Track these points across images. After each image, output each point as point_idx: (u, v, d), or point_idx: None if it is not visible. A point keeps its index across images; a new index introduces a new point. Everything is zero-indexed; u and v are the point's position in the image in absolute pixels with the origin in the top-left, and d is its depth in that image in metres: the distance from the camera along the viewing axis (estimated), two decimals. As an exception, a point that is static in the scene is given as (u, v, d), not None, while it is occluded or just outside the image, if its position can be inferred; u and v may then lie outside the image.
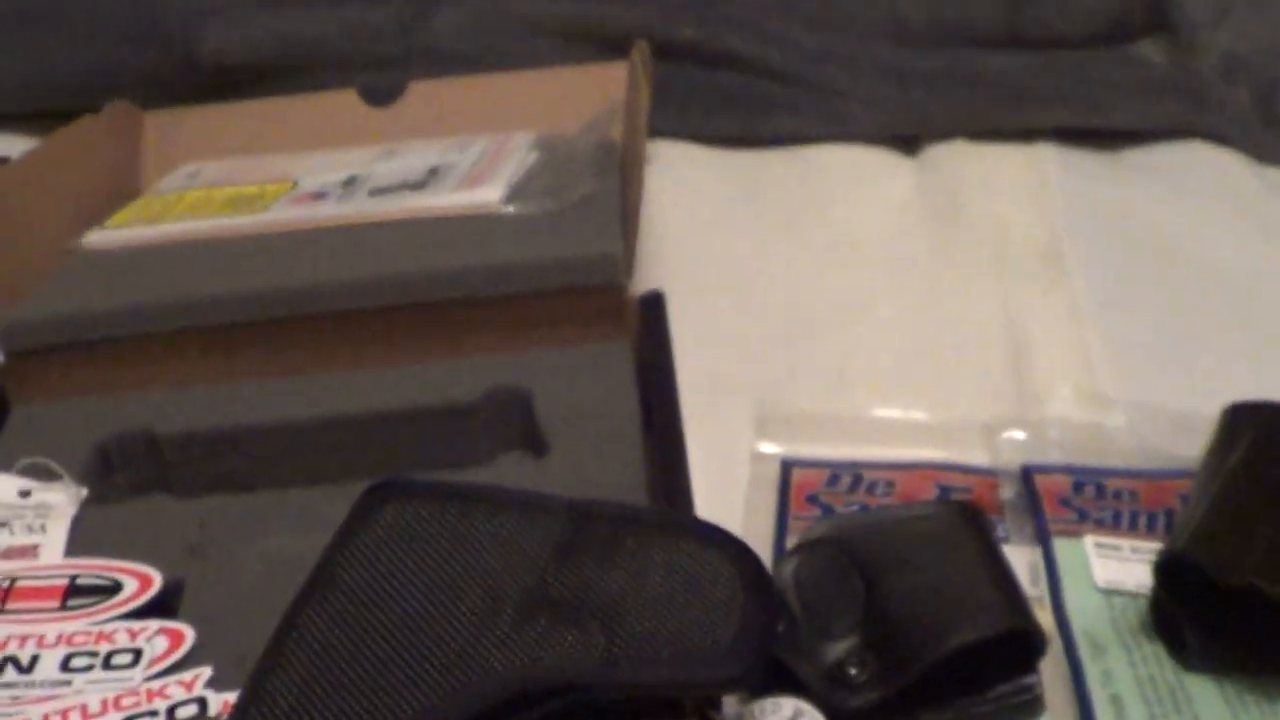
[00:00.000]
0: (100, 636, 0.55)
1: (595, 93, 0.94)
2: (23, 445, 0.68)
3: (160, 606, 0.58)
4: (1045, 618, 0.58)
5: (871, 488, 0.68)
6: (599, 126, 0.90)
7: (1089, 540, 0.62)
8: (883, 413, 0.75)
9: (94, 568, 0.59)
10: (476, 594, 0.50)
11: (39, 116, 1.04)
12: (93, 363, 0.74)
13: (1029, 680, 0.53)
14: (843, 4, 1.09)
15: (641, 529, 0.52)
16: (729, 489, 0.68)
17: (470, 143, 0.92)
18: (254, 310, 0.74)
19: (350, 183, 0.87)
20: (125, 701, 0.52)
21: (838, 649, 0.53)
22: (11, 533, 0.62)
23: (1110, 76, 1.06)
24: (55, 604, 0.58)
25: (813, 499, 0.67)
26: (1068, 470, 0.68)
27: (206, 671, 0.53)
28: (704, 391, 0.74)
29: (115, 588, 0.58)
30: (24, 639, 0.55)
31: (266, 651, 0.48)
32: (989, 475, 0.69)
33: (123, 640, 0.55)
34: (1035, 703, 0.53)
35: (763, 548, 0.62)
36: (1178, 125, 1.04)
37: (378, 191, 0.85)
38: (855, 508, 0.67)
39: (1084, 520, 0.64)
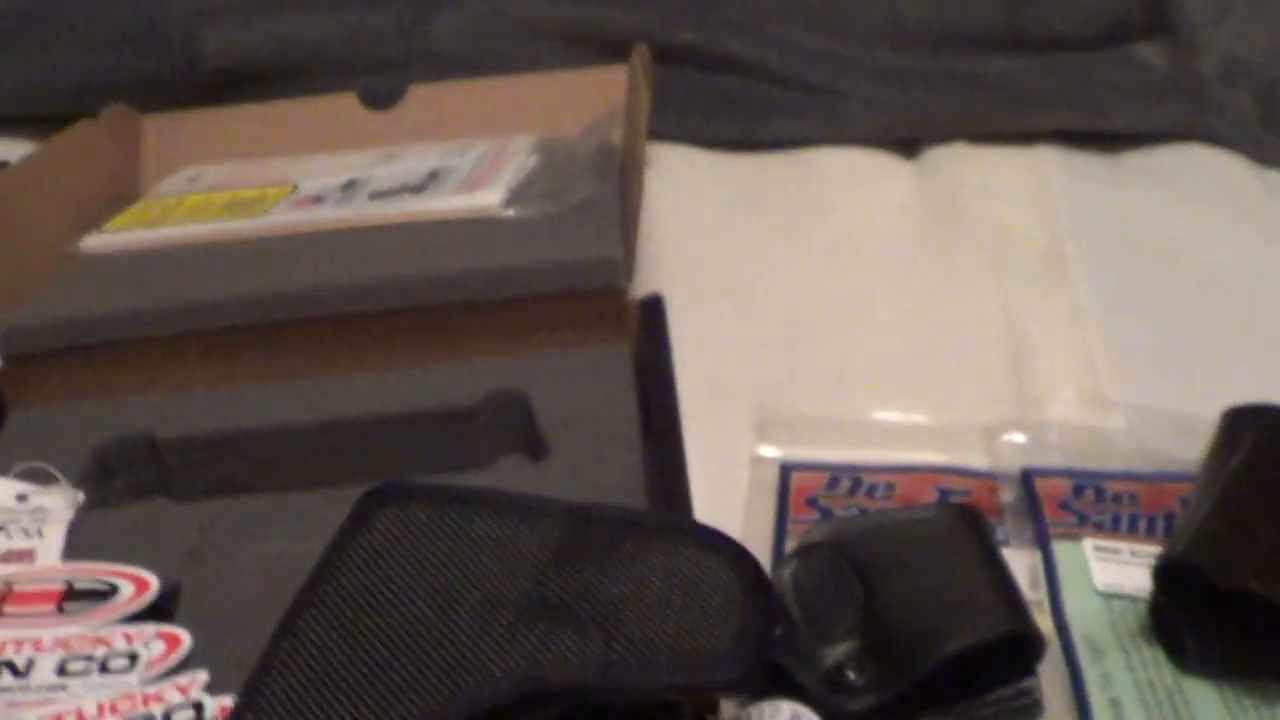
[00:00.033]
0: (97, 640, 0.55)
1: (595, 96, 0.94)
2: (21, 449, 0.68)
3: (157, 610, 0.57)
4: (1044, 621, 0.58)
5: (871, 491, 0.68)
6: (599, 130, 0.90)
7: (1088, 544, 0.62)
8: (882, 416, 0.75)
9: (91, 571, 0.59)
10: (475, 597, 0.50)
11: (39, 121, 1.04)
12: (91, 367, 0.74)
13: (1028, 684, 0.53)
14: (843, 6, 1.09)
15: (640, 533, 0.52)
16: (728, 492, 0.68)
17: (470, 146, 0.92)
18: (253, 314, 0.74)
19: (350, 186, 0.87)
20: (122, 705, 0.52)
21: (836, 652, 0.53)
22: (9, 537, 0.62)
23: (1110, 78, 1.06)
24: (52, 608, 0.57)
25: (812, 502, 0.67)
26: (1068, 474, 0.68)
27: (203, 675, 0.53)
28: (703, 395, 0.74)
29: (112, 591, 0.58)
30: (20, 643, 0.55)
31: (263, 655, 0.48)
32: (989, 478, 0.68)
33: (119, 644, 0.55)
34: (1034, 706, 0.53)
35: (762, 551, 0.62)
36: (1178, 127, 1.04)
37: (377, 195, 0.85)
38: (854, 511, 0.66)
39: (1084, 524, 0.64)
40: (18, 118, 1.07)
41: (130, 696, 0.52)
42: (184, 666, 0.54)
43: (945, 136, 1.04)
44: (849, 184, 1.00)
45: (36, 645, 0.55)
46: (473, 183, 0.84)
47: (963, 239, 0.92)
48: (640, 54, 0.85)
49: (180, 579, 0.59)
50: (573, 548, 0.52)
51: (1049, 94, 1.05)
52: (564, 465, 0.65)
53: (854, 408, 0.76)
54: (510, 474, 0.66)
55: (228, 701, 0.51)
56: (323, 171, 0.91)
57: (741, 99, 1.06)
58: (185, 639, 0.55)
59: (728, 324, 0.84)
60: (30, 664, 0.54)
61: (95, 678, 0.54)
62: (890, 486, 0.68)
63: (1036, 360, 0.78)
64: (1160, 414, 0.71)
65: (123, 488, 0.69)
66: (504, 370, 0.71)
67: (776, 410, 0.74)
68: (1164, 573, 0.57)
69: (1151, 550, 0.61)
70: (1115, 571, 0.61)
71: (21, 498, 0.65)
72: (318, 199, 0.86)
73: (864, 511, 0.66)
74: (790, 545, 0.63)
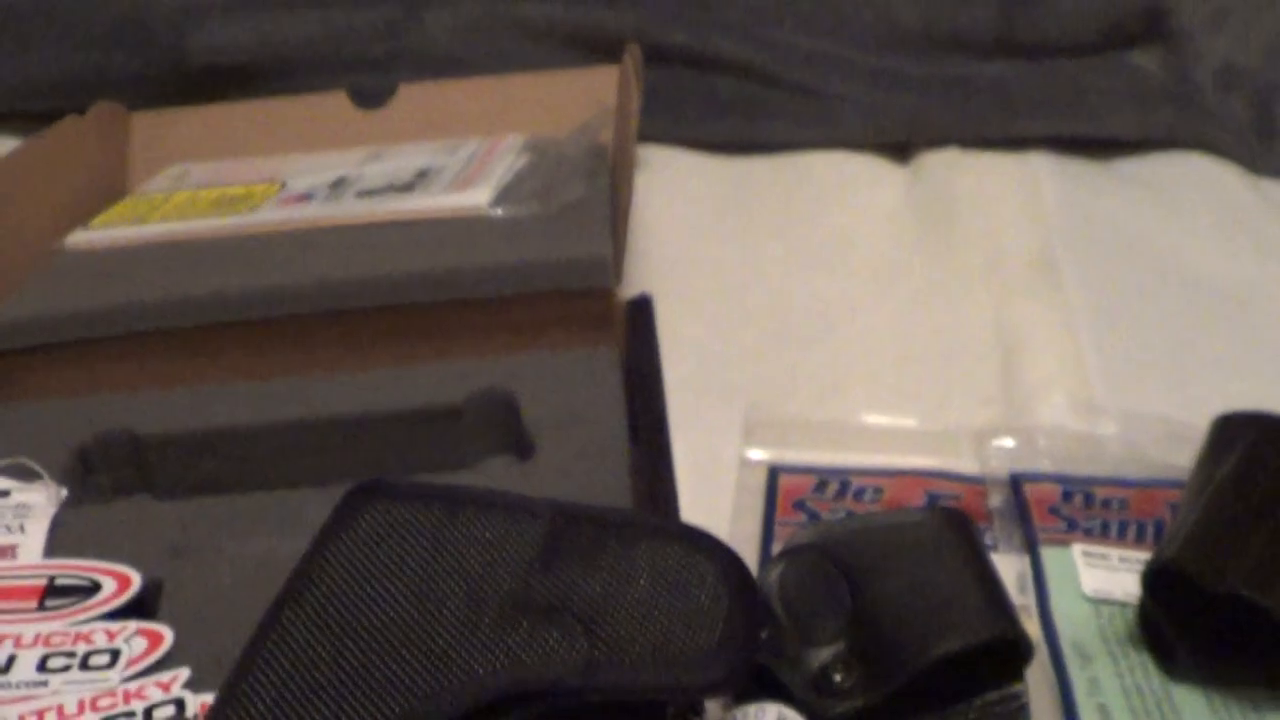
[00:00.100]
0: (78, 637, 0.55)
1: (586, 97, 0.94)
2: (3, 445, 0.67)
3: (139, 607, 0.57)
4: (1032, 626, 0.58)
5: (859, 494, 0.68)
6: (590, 130, 0.90)
7: (1077, 549, 0.62)
8: (872, 419, 0.75)
9: (72, 568, 0.59)
10: (458, 597, 0.49)
11: (25, 117, 1.04)
12: (74, 363, 0.73)
13: (1015, 689, 0.53)
14: (835, 9, 1.09)
15: (626, 533, 0.52)
16: (715, 494, 0.68)
17: (460, 145, 0.91)
18: (238, 311, 0.73)
19: (338, 184, 0.86)
20: (102, 702, 0.51)
21: (822, 655, 0.53)
22: (-10, 532, 0.62)
23: (1104, 85, 1.06)
24: (33, 604, 0.57)
25: (799, 505, 0.67)
26: (1057, 479, 0.67)
27: (184, 673, 0.53)
28: (691, 396, 0.74)
29: (94, 588, 0.57)
30: (0, 639, 0.55)
31: (244, 653, 0.48)
32: (978, 483, 0.68)
33: (101, 641, 0.55)
34: (1021, 711, 0.53)
35: (749, 553, 0.62)
36: (1172, 135, 1.04)
37: (365, 193, 0.84)
38: (842, 514, 0.66)
39: (1073, 529, 0.64)
40: (4, 114, 1.07)
41: (111, 693, 0.52)
42: (165, 664, 0.54)
43: (937, 141, 1.04)
44: (840, 187, 1.00)
45: (17, 642, 0.55)
46: (461, 182, 0.84)
47: (954, 244, 0.92)
48: (632, 54, 0.85)
49: (162, 576, 0.59)
50: (558, 547, 0.51)
51: (1042, 99, 1.05)
52: (550, 465, 0.65)
53: (843, 411, 0.76)
54: (496, 473, 0.65)
55: (209, 699, 0.50)
56: (311, 169, 0.91)
57: (733, 100, 1.06)
58: (167, 636, 0.55)
59: (717, 325, 0.84)
60: (11, 660, 0.54)
61: (76, 674, 0.53)
62: (879, 490, 0.68)
63: (1027, 365, 0.78)
64: (1151, 420, 0.71)
65: (106, 484, 0.69)
66: (490, 369, 0.71)
67: (765, 412, 0.74)
68: (1153, 578, 0.57)
69: (1141, 556, 0.61)
70: (1104, 577, 0.61)
71: (3, 493, 0.64)
72: (305, 197, 0.85)
73: (852, 514, 0.66)
74: (777, 547, 0.62)
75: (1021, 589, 0.61)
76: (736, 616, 0.49)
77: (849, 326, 0.84)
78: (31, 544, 0.61)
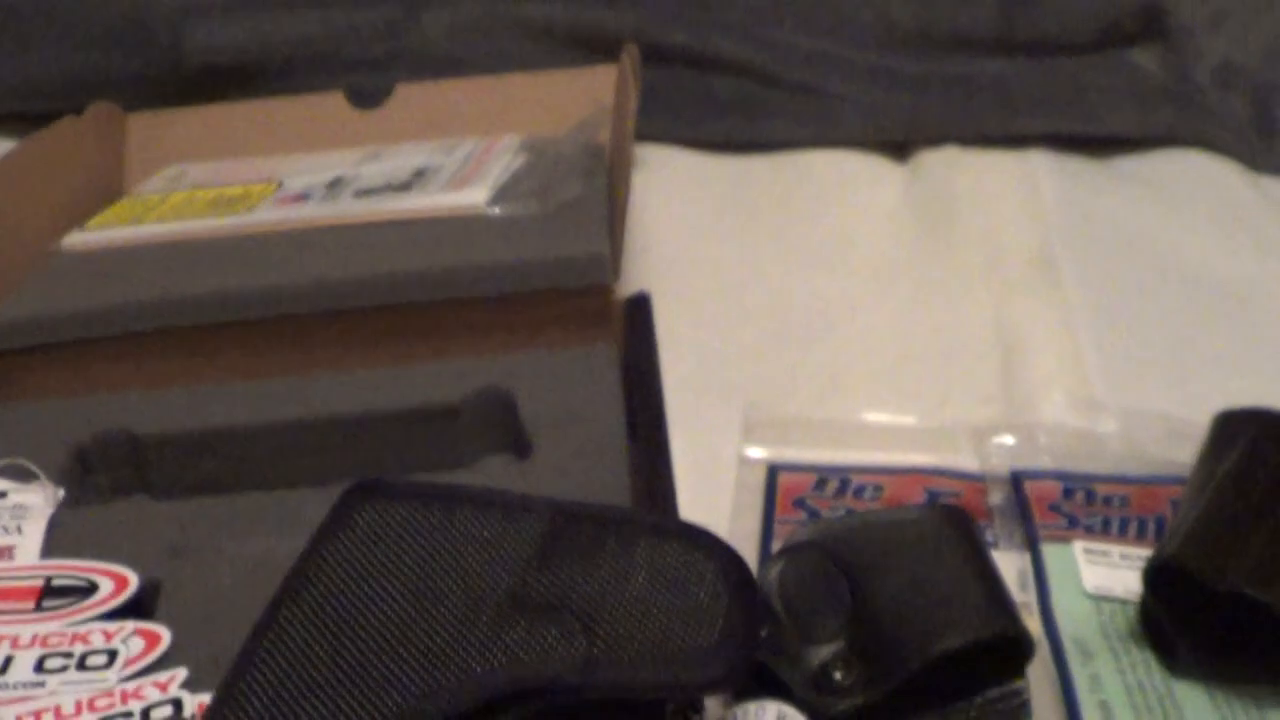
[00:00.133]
0: (75, 638, 0.55)
1: (583, 96, 0.93)
2: (0, 445, 0.67)
3: (137, 607, 0.57)
4: (1033, 623, 0.58)
5: (859, 492, 0.67)
6: (587, 129, 0.90)
7: (1078, 546, 0.62)
8: (871, 417, 0.75)
9: (70, 569, 0.59)
10: (456, 595, 0.49)
11: (22, 117, 1.03)
12: (72, 363, 0.73)
13: (1017, 686, 0.53)
14: (834, 8, 1.09)
15: (625, 531, 0.52)
16: (715, 492, 0.68)
17: (457, 145, 0.91)
18: (236, 310, 0.73)
19: (335, 184, 0.86)
20: (100, 703, 0.51)
21: (822, 653, 0.53)
22: (-13, 533, 0.62)
23: (1103, 83, 1.06)
24: (30, 605, 0.57)
25: (799, 503, 0.67)
26: (1057, 476, 0.67)
27: (182, 673, 0.53)
28: (690, 394, 0.74)
29: (91, 589, 0.57)
30: (-3, 640, 0.55)
31: (242, 652, 0.47)
32: (978, 480, 0.68)
33: (98, 641, 0.54)
34: (1023, 708, 0.53)
35: (748, 551, 0.62)
36: (1172, 133, 1.03)
37: (362, 193, 0.84)
38: (842, 512, 0.66)
39: (1073, 526, 0.64)
40: (2, 114, 1.06)
41: (109, 694, 0.52)
42: (163, 664, 0.53)
43: (936, 139, 1.03)
44: (839, 186, 1.00)
45: (14, 642, 0.55)
46: (459, 181, 0.83)
47: (953, 242, 0.92)
48: (629, 54, 0.85)
49: (160, 576, 0.59)
50: (556, 546, 0.51)
51: (1042, 98, 1.04)
52: (549, 464, 0.64)
53: (843, 409, 0.75)
54: (494, 472, 0.65)
55: (207, 699, 0.50)
56: (308, 169, 0.90)
57: (732, 100, 1.06)
58: (165, 636, 0.54)
59: (715, 324, 0.84)
60: (8, 661, 0.54)
61: (73, 675, 0.53)
62: (879, 488, 0.68)
63: (1027, 362, 0.78)
64: (1152, 417, 0.71)
65: (103, 484, 0.69)
66: (488, 368, 0.71)
67: (764, 410, 0.74)
68: (1154, 575, 0.57)
69: (1142, 553, 0.60)
70: (1105, 574, 0.60)
71: (0, 494, 0.64)
72: (302, 196, 0.85)
73: (852, 512, 0.66)
74: (777, 545, 0.62)
75: (1022, 586, 0.60)
76: (736, 614, 0.48)
77: (849, 325, 0.84)
78: (29, 544, 0.61)
